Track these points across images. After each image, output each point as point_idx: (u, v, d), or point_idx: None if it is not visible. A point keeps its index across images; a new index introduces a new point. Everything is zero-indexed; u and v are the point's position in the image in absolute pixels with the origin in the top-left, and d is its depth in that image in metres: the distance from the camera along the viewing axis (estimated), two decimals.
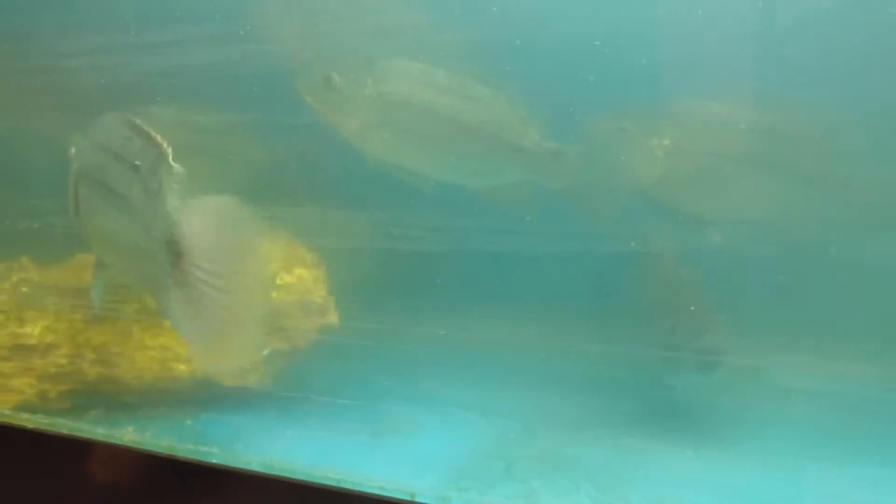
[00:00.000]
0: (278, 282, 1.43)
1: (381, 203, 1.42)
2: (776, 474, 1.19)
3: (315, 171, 1.44)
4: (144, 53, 1.31)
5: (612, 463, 1.24)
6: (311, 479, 1.00)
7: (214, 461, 1.04)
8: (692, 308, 1.34)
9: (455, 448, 1.27)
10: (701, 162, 1.36)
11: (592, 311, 1.37)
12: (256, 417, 1.39)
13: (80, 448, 1.14)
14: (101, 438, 1.11)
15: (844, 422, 1.24)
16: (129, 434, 1.22)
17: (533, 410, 1.39)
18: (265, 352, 1.43)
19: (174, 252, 0.93)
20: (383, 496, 0.96)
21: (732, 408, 1.33)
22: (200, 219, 0.94)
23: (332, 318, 1.46)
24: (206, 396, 1.41)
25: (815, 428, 1.27)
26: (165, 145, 0.92)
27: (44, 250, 1.45)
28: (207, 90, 1.34)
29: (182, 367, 1.40)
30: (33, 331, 1.36)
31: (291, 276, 1.45)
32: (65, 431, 1.15)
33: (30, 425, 1.15)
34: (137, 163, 0.94)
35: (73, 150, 1.05)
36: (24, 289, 1.40)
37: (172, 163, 0.92)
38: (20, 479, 1.16)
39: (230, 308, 0.94)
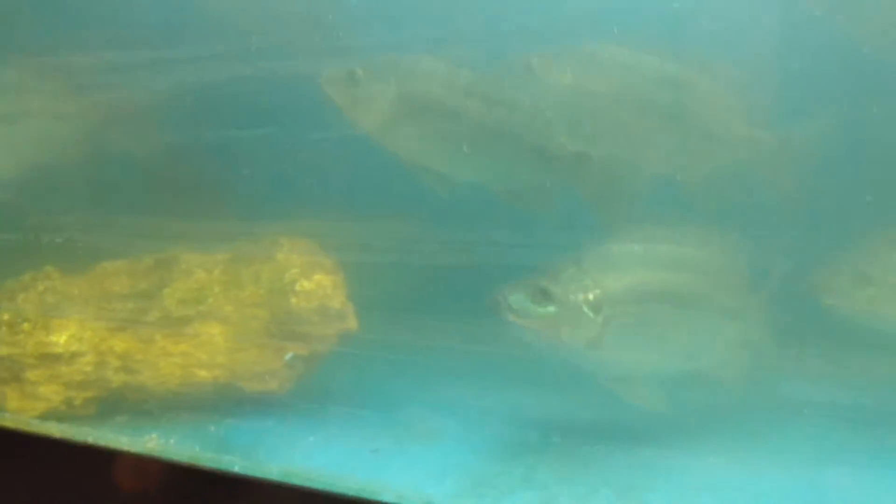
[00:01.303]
0: (297, 288, 1.45)
1: (400, 212, 1.43)
2: (797, 480, 1.18)
3: (334, 181, 1.45)
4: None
5: (631, 467, 1.24)
6: (329, 489, 1.01)
7: (236, 469, 1.06)
8: None
9: (473, 454, 1.28)
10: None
11: None
12: (278, 422, 1.40)
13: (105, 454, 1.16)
14: (125, 447, 1.13)
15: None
16: (153, 440, 1.24)
17: (551, 417, 1.39)
18: (286, 357, 1.45)
19: None
20: None
21: (751, 413, 1.32)
22: None
23: (352, 323, 1.47)
24: (228, 402, 1.43)
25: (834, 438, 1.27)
26: None
27: (68, 260, 1.47)
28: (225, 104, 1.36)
29: (204, 373, 1.42)
30: (59, 339, 1.38)
31: (311, 283, 1.46)
32: (90, 440, 1.17)
33: (56, 434, 1.17)
34: None
35: None
36: (49, 298, 1.42)
37: None
38: (46, 487, 1.18)
39: None
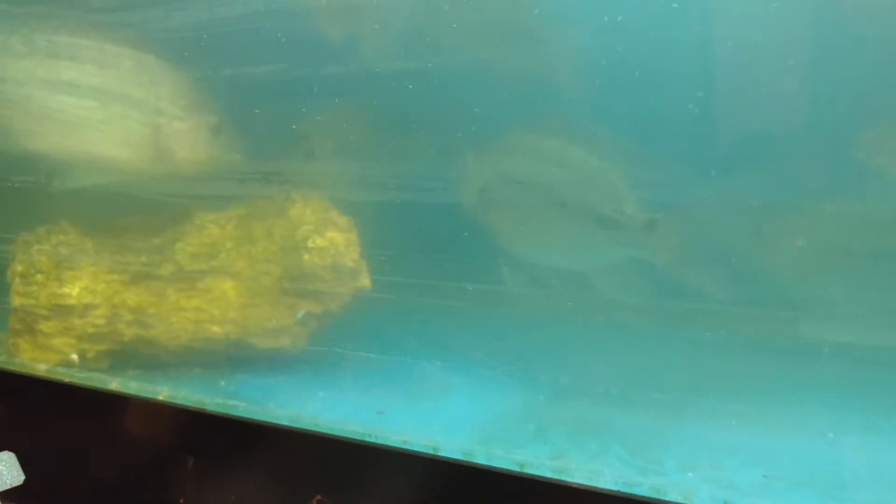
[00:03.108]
0: (310, 245, 1.44)
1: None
2: (814, 441, 1.16)
3: (344, 126, 1.43)
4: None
5: (644, 427, 1.22)
6: (336, 433, 1.01)
7: (242, 414, 1.05)
8: None
9: (483, 411, 1.26)
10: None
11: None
12: (288, 379, 1.40)
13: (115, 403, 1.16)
14: (134, 392, 1.13)
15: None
16: (164, 394, 1.24)
17: (565, 371, 1.37)
18: (299, 315, 1.44)
19: None
20: (407, 450, 0.96)
21: (765, 372, 1.30)
22: None
23: (365, 281, 1.46)
24: (239, 358, 1.42)
25: (852, 392, 1.23)
26: None
27: (83, 215, 1.48)
28: (231, 44, 1.34)
29: (216, 328, 1.42)
30: (72, 291, 1.39)
31: (324, 240, 1.45)
32: (99, 386, 1.17)
33: (66, 379, 1.17)
34: None
35: None
36: (63, 251, 1.42)
37: None
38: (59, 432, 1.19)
39: None
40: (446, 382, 1.36)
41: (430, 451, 0.95)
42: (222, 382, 1.36)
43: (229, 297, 1.43)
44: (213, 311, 1.42)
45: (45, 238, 1.44)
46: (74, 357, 1.33)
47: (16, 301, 1.40)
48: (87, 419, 1.22)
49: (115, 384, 1.23)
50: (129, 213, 1.47)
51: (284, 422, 1.05)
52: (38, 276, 1.40)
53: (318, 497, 1.00)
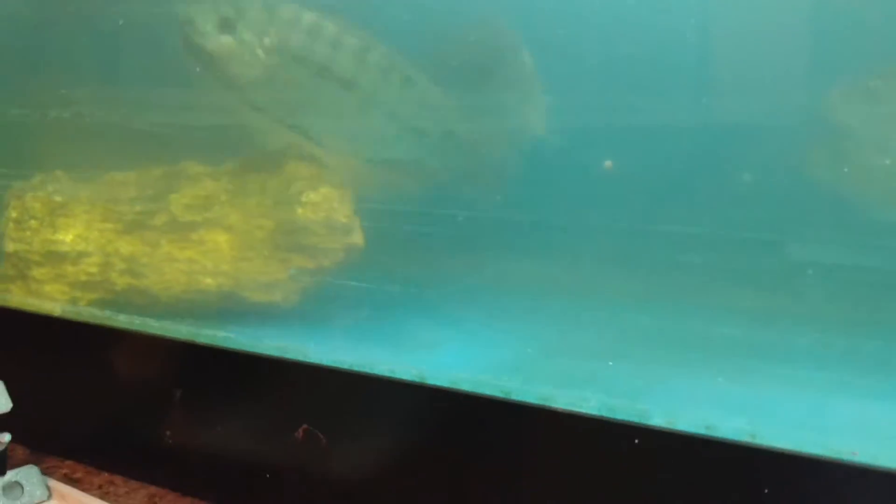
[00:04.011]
0: (304, 199, 1.44)
1: None
2: (804, 393, 1.16)
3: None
4: None
5: (630, 380, 1.23)
6: (324, 363, 1.01)
7: (232, 346, 1.06)
8: None
9: (471, 365, 1.27)
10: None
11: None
12: (280, 333, 1.40)
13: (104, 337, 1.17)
14: (125, 326, 1.13)
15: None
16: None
17: (550, 333, 1.38)
18: (290, 270, 1.45)
19: None
20: (394, 378, 0.96)
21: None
22: None
23: (358, 238, 1.46)
24: (231, 311, 1.43)
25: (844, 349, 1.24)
26: None
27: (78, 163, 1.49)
28: None
29: (209, 280, 1.42)
30: (65, 238, 1.39)
31: (317, 195, 1.45)
32: (91, 321, 1.17)
33: (57, 314, 1.18)
34: None
35: None
36: (57, 198, 1.43)
37: None
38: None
39: None
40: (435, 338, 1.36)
41: (417, 380, 0.96)
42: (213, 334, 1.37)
43: (222, 249, 1.44)
44: (206, 262, 1.43)
45: (40, 186, 1.45)
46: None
47: (9, 246, 1.41)
48: (75, 352, 1.22)
49: (101, 318, 1.23)
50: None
51: (272, 352, 1.06)
52: (32, 223, 1.41)
53: (305, 426, 1.00)
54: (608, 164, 1.22)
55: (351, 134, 1.41)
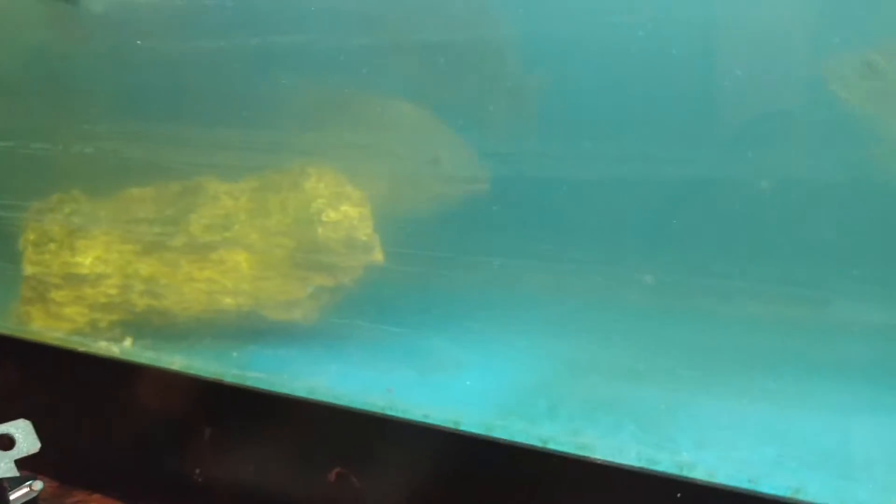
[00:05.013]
0: (324, 218, 1.43)
1: None
2: (829, 420, 1.16)
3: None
4: None
5: (659, 405, 1.22)
6: (355, 406, 1.00)
7: (260, 386, 1.05)
8: None
9: (496, 387, 1.26)
10: None
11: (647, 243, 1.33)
12: (300, 352, 1.39)
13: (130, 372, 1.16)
14: (148, 363, 1.12)
15: None
16: (176, 365, 1.24)
17: (576, 353, 1.37)
18: (310, 289, 1.44)
19: None
20: (428, 423, 0.96)
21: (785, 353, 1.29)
22: None
23: (378, 255, 1.45)
24: (251, 330, 1.42)
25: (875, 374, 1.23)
26: None
27: (95, 183, 1.47)
28: None
29: (229, 300, 1.42)
30: (84, 260, 1.38)
31: (337, 213, 1.44)
32: (116, 354, 1.16)
33: (81, 349, 1.17)
34: None
35: None
36: (75, 220, 1.41)
37: None
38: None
39: None
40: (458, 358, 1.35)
41: (451, 426, 0.95)
42: (234, 354, 1.36)
43: (242, 268, 1.43)
44: (226, 282, 1.42)
45: (58, 207, 1.43)
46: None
47: (28, 269, 1.40)
48: (101, 388, 1.21)
49: (128, 353, 1.22)
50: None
51: (301, 393, 1.05)
52: (51, 245, 1.39)
53: (338, 469, 1.00)
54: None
55: None
